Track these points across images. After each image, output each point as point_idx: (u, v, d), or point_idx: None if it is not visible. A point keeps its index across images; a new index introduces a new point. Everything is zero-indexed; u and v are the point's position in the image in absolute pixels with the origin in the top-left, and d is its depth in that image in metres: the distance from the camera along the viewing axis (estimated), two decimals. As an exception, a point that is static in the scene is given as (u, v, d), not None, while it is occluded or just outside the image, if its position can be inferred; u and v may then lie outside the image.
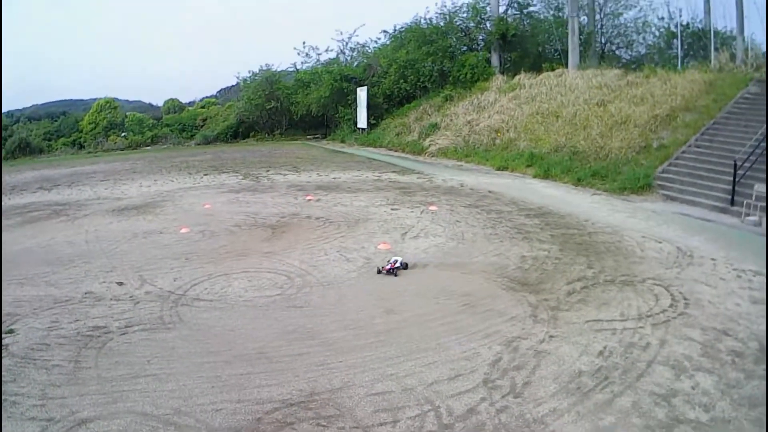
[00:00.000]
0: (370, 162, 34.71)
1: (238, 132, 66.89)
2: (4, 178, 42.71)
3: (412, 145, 40.15)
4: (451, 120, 39.88)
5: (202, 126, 79.16)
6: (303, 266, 12.86)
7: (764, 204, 17.01)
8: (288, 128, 64.18)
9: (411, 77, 48.60)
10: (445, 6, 51.33)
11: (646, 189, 21.51)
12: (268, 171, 31.87)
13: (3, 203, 27.07)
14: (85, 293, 12.01)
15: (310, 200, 21.24)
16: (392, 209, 18.94)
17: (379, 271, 12.76)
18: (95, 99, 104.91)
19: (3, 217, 22.66)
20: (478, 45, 49.94)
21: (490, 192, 21.92)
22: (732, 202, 18.51)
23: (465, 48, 49.79)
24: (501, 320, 9.38)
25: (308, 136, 60.91)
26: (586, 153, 26.23)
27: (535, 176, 26.08)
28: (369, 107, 50.18)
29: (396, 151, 41.18)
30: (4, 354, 9.17)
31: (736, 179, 18.63)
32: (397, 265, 12.56)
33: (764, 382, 7.62)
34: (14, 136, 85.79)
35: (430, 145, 37.61)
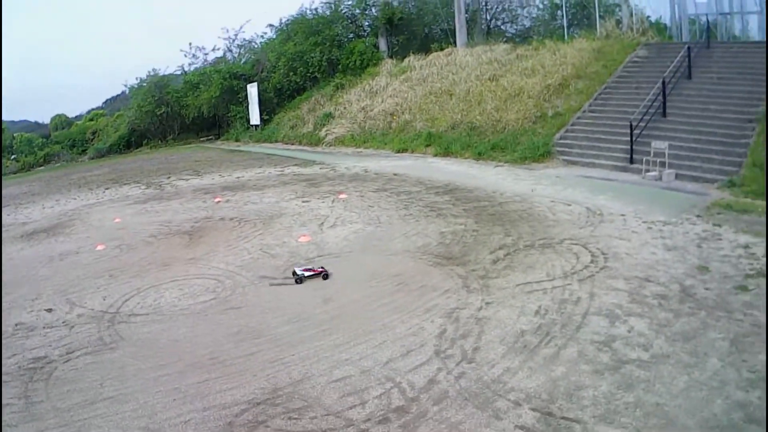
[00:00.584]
0: (269, 158, 34.69)
1: (131, 141, 65.84)
2: None
3: (308, 137, 40.28)
4: (345, 108, 40.01)
5: (92, 139, 77.84)
6: (230, 268, 12.86)
7: (663, 160, 17.80)
8: (180, 132, 63.48)
9: (300, 69, 48.46)
10: (331, -6, 51.22)
11: (546, 156, 22.15)
12: (169, 178, 31.47)
13: None
14: (16, 325, 11.64)
15: (218, 202, 21.13)
16: (303, 202, 18.99)
17: (298, 281, 11.38)
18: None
19: None
20: (365, 31, 50.18)
21: (395, 175, 22.22)
22: (631, 161, 19.40)
23: (352, 35, 50.13)
24: (436, 295, 9.62)
25: (201, 138, 60.42)
26: (484, 128, 26.78)
27: (435, 155, 26.50)
28: (261, 103, 50.19)
29: (293, 144, 41.22)
30: None
31: (633, 139, 19.35)
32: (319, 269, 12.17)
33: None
34: None
35: (326, 135, 37.76)
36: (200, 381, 8.12)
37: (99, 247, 16.89)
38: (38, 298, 13.01)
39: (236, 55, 60.79)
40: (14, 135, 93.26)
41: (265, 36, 59.98)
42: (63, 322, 11.17)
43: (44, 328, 11.07)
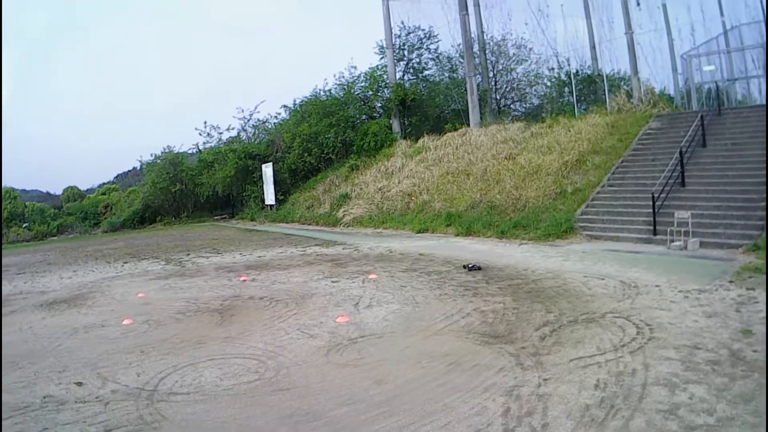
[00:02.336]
0: (288, 238, 34.61)
1: (145, 217, 65.96)
2: None
3: (325, 218, 40.45)
4: (361, 189, 40.26)
5: (104, 213, 78.02)
6: (269, 348, 12.52)
7: (687, 229, 18.29)
8: (194, 210, 63.65)
9: (315, 150, 48.96)
10: (343, 77, 51.58)
11: (569, 232, 22.37)
12: (188, 255, 31.43)
13: None
14: (44, 397, 11.18)
15: (244, 281, 20.91)
16: (332, 282, 18.78)
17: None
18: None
19: None
20: (377, 113, 50.50)
21: (421, 255, 22.17)
22: (654, 232, 19.84)
23: (365, 117, 50.30)
24: (491, 373, 9.47)
25: (216, 217, 60.53)
26: (504, 206, 26.96)
27: (457, 234, 26.51)
28: (276, 183, 50.37)
29: (309, 224, 41.35)
30: None
31: (656, 210, 19.72)
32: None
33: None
34: None
35: (344, 215, 37.89)
36: None
37: (125, 322, 16.64)
38: (65, 371, 12.71)
39: (251, 135, 60.95)
40: (26, 204, 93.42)
41: (279, 116, 59.80)
42: (96, 398, 10.76)
43: (76, 402, 10.68)
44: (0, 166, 46.64)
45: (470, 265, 19.63)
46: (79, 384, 11.62)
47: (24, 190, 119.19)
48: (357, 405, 8.87)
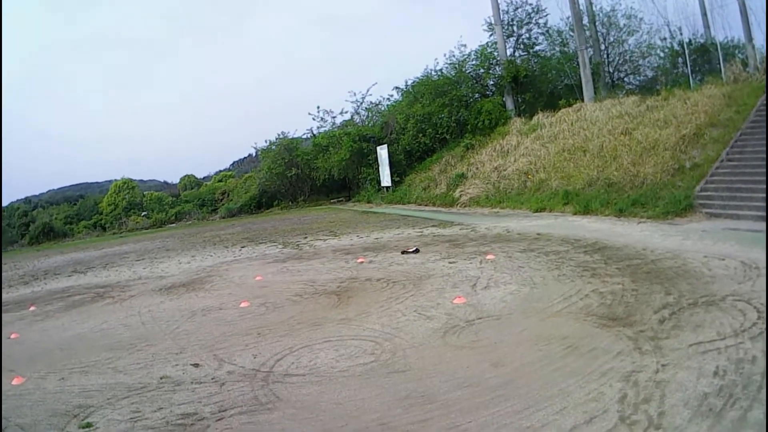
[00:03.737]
0: (405, 219, 34.70)
1: (262, 202, 66.99)
2: (33, 263, 43.10)
3: (441, 198, 40.60)
4: (477, 168, 40.23)
5: (221, 200, 79.52)
6: (386, 330, 12.47)
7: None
8: (311, 194, 64.24)
9: (429, 130, 49.30)
10: (454, 56, 51.72)
11: (689, 210, 21.69)
12: (305, 238, 31.86)
13: (41, 289, 27.85)
14: (161, 378, 11.55)
15: (362, 263, 21.04)
16: (450, 263, 18.70)
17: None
18: (110, 180, 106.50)
19: (43, 303, 23.01)
20: (490, 91, 50.14)
21: (538, 234, 21.97)
22: None
23: (478, 95, 50.14)
24: (609, 357, 9.31)
25: (332, 200, 60.94)
26: (621, 183, 26.44)
27: (575, 213, 26.25)
28: (391, 165, 50.47)
29: (426, 205, 41.58)
30: None
31: (777, 185, 18.85)
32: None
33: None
34: (37, 221, 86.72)
35: (460, 195, 37.94)
36: None
37: (243, 304, 16.94)
38: (182, 353, 13.06)
39: (364, 118, 61.06)
40: (144, 193, 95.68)
41: (392, 98, 59.78)
42: (212, 379, 11.01)
43: (192, 383, 10.93)
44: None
45: (411, 249, 21.52)
46: (196, 365, 11.97)
47: (142, 181, 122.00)
48: (473, 388, 8.80)
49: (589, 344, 9.96)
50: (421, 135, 50.65)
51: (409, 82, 57.03)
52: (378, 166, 54.19)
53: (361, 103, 63.20)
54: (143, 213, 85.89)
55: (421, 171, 49.60)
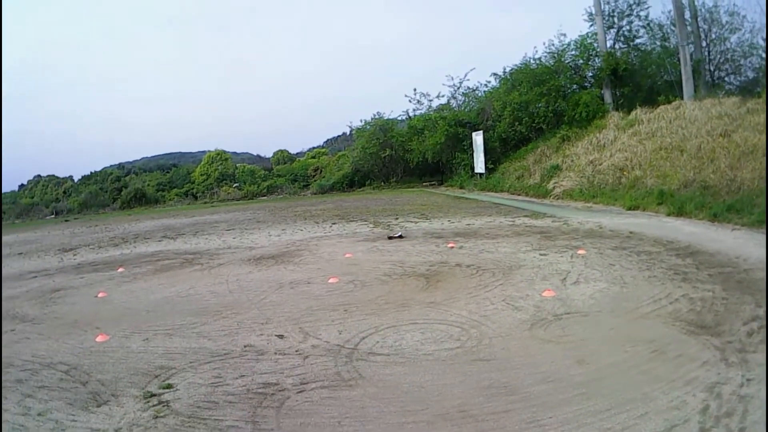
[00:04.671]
0: (497, 207, 34.62)
1: (354, 181, 67.46)
2: (124, 226, 44.42)
3: (534, 189, 40.39)
4: (572, 161, 39.95)
5: (313, 176, 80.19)
6: (473, 317, 12.45)
7: None
8: (403, 175, 64.46)
9: (525, 119, 49.23)
10: (553, 45, 51.47)
11: (787, 220, 20.94)
12: (396, 219, 32.17)
13: (130, 251, 29.00)
14: (245, 346, 11.85)
15: (452, 247, 21.14)
16: (540, 254, 18.71)
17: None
18: (203, 151, 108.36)
19: (132, 265, 23.94)
20: (588, 82, 49.68)
21: (631, 233, 21.76)
22: None
23: (576, 86, 49.67)
24: (694, 366, 9.16)
25: (425, 183, 61.18)
26: (717, 187, 25.82)
27: (668, 214, 25.78)
28: (486, 151, 50.24)
29: (519, 195, 41.42)
30: (166, 412, 8.96)
31: None
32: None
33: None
34: (129, 186, 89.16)
35: (554, 187, 37.72)
36: None
37: (331, 280, 17.16)
38: (268, 323, 13.32)
39: (460, 103, 60.93)
40: (236, 165, 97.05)
41: (489, 84, 59.56)
42: (296, 351, 11.20)
43: (275, 353, 11.16)
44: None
45: (397, 234, 22.82)
46: (281, 336, 12.25)
47: (235, 153, 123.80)
48: (556, 384, 8.79)
49: (675, 350, 9.87)
50: (517, 123, 50.53)
51: (507, 69, 56.71)
52: (472, 152, 54.22)
53: (458, 88, 63.16)
54: (235, 184, 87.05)
55: (516, 160, 49.41)
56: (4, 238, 54.03)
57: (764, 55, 45.94)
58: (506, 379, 9.02)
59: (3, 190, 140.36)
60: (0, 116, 51.36)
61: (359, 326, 12.50)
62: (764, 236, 19.38)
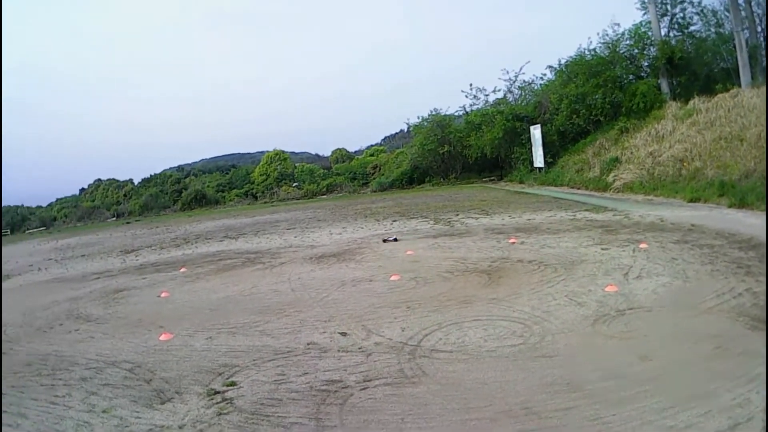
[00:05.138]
0: (557, 201, 34.58)
1: (413, 178, 67.80)
2: (185, 227, 45.10)
3: (594, 182, 40.17)
4: (632, 153, 39.59)
5: (372, 174, 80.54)
6: (535, 313, 12.42)
7: None
8: (462, 171, 64.52)
9: (583, 111, 48.84)
10: (607, 35, 50.91)
11: None
12: (457, 215, 32.24)
13: (192, 252, 29.65)
14: (308, 344, 11.98)
15: (513, 243, 21.09)
16: (602, 249, 18.57)
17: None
18: (262, 152, 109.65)
19: (194, 265, 24.44)
20: (644, 72, 49.15)
21: (693, 225, 21.47)
22: None
23: (632, 77, 49.23)
24: (758, 362, 8.90)
25: (483, 179, 61.18)
26: (779, 177, 25.45)
27: (730, 206, 25.43)
28: (544, 145, 49.98)
29: (578, 188, 41.32)
30: (230, 409, 9.13)
31: None
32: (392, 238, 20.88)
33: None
34: (189, 188, 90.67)
35: (614, 180, 37.43)
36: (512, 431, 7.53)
37: (393, 278, 17.27)
38: (331, 321, 13.48)
39: (517, 97, 60.88)
40: (296, 164, 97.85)
41: (545, 77, 59.30)
42: (359, 348, 11.30)
43: (338, 351, 11.27)
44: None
45: (391, 238, 23.72)
46: (344, 334, 12.38)
47: (294, 152, 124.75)
48: (618, 380, 8.69)
49: (739, 346, 9.69)
50: (574, 116, 50.26)
51: (563, 61, 56.41)
52: (531, 146, 54.11)
53: (514, 82, 63.33)
54: (294, 183, 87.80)
55: (575, 153, 49.09)
56: (66, 240, 55.37)
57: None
58: (569, 376, 8.98)
59: (64, 195, 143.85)
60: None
61: (422, 323, 12.55)
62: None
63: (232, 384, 10.26)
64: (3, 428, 8.95)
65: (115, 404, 10.13)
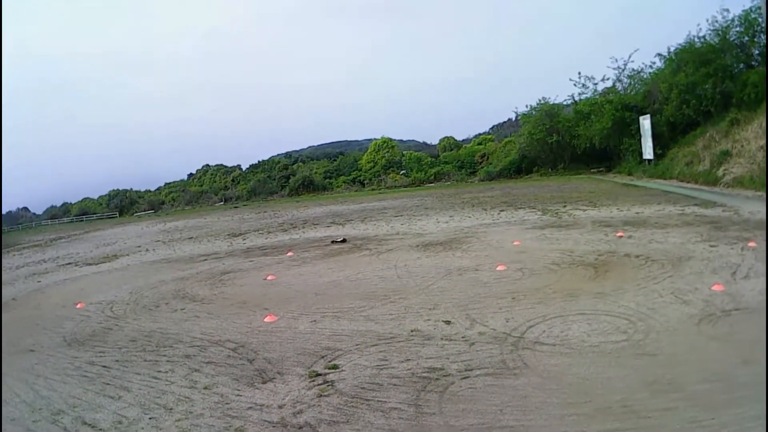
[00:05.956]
0: (666, 195, 33.90)
1: (521, 167, 67.75)
2: (292, 213, 45.74)
3: (704, 176, 38.94)
4: (742, 146, 38.26)
5: (480, 163, 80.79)
6: (641, 309, 12.24)
7: None
8: (570, 162, 63.84)
9: (693, 102, 47.10)
10: (717, 21, 49.00)
11: None
12: (564, 206, 32.10)
13: (299, 236, 30.63)
14: (412, 331, 12.15)
15: (621, 237, 20.88)
16: (710, 246, 18.13)
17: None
18: (369, 139, 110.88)
19: (301, 250, 25.01)
20: (755, 60, 47.21)
21: None
22: None
23: (743, 65, 47.40)
24: None
25: (592, 170, 60.36)
26: None
27: None
28: (653, 136, 48.71)
29: (687, 182, 40.28)
30: (330, 391, 9.36)
31: None
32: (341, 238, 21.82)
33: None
34: (297, 174, 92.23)
35: (724, 174, 36.39)
36: (610, 429, 7.48)
37: (499, 268, 17.32)
38: (435, 309, 13.63)
39: (626, 86, 59.27)
40: (403, 152, 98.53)
41: (654, 66, 57.65)
42: (462, 337, 11.41)
43: (441, 339, 11.42)
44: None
45: (339, 239, 24.70)
46: (448, 322, 12.52)
47: (401, 140, 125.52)
48: (720, 383, 8.46)
49: None
50: (684, 106, 48.75)
51: (672, 49, 54.94)
52: (640, 137, 52.99)
53: (623, 70, 61.79)
54: (402, 171, 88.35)
55: (684, 145, 47.76)
56: (174, 223, 56.60)
57: None
58: (671, 376, 8.84)
59: (173, 179, 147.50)
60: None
61: (526, 315, 12.57)
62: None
63: (334, 367, 10.48)
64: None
65: (217, 381, 10.53)
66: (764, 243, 17.68)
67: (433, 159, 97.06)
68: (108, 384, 11.17)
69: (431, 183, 77.42)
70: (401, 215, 36.84)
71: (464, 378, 9.37)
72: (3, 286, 27.11)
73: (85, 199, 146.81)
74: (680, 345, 10.10)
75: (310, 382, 9.95)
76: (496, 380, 9.17)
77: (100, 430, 9.13)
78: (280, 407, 9.02)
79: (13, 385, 11.92)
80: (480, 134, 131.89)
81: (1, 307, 18.94)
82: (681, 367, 9.15)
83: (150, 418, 9.29)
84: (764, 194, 30.09)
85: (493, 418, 8.02)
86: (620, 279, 15.05)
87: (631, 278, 15.03)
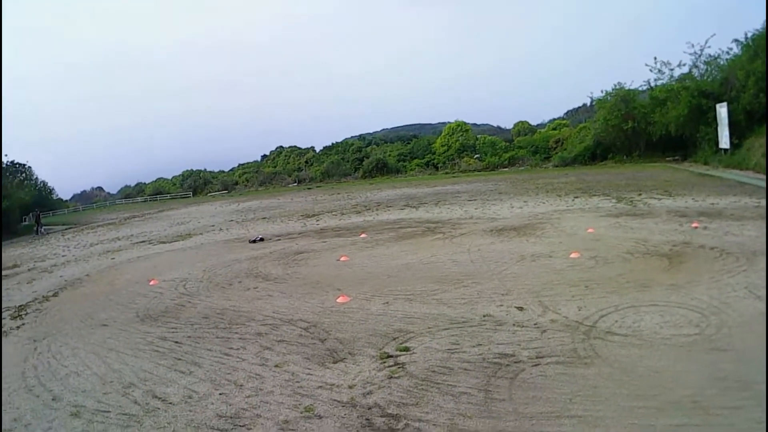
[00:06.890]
0: (742, 186, 33.12)
1: (596, 154, 67.03)
2: (366, 195, 46.02)
3: (775, 166, 38.07)
4: (820, 137, 37.45)
5: (555, 148, 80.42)
6: (714, 303, 11.97)
7: None
8: (646, 149, 62.79)
9: (770, 90, 45.48)
10: (795, 6, 47.64)
11: None
12: (640, 194, 31.67)
13: (373, 218, 30.82)
14: (484, 316, 12.16)
15: (696, 227, 20.59)
16: None
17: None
18: (443, 122, 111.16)
19: (374, 231, 25.19)
20: (835, 47, 45.57)
21: None
22: None
23: (821, 52, 45.60)
24: None
25: (667, 158, 59.13)
26: None
27: None
28: (730, 125, 47.30)
29: (764, 173, 39.43)
30: (401, 373, 9.48)
31: None
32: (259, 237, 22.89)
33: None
34: (371, 157, 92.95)
35: (794, 167, 35.49)
36: (677, 424, 7.35)
37: (573, 255, 17.24)
38: (508, 294, 13.62)
39: (702, 72, 57.95)
40: (477, 136, 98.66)
41: (731, 52, 55.79)
42: (534, 324, 11.39)
43: (513, 325, 11.41)
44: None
45: (256, 238, 25.76)
46: (520, 309, 12.52)
47: (475, 124, 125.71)
48: None
49: None
50: (761, 94, 47.36)
51: (749, 35, 53.13)
52: (716, 125, 51.61)
53: (700, 56, 59.97)
54: (476, 155, 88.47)
55: (761, 135, 45.65)
56: (248, 203, 57.16)
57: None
58: (742, 373, 8.67)
59: (247, 160, 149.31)
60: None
61: (599, 303, 12.49)
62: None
63: (406, 349, 10.61)
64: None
65: (288, 360, 10.77)
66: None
67: (507, 143, 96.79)
68: (179, 359, 11.52)
69: (505, 168, 77.20)
70: (475, 199, 36.92)
71: (535, 365, 9.38)
72: (77, 263, 28.09)
73: (159, 179, 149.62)
74: (752, 341, 9.88)
75: (380, 363, 10.08)
76: (566, 369, 9.17)
77: (170, 403, 9.43)
78: (350, 387, 9.20)
79: (86, 357, 12.38)
80: (554, 119, 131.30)
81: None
82: (752, 364, 8.97)
83: (220, 394, 9.56)
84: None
85: (563, 407, 8.03)
86: (694, 271, 14.79)
87: (705, 270, 14.75)
